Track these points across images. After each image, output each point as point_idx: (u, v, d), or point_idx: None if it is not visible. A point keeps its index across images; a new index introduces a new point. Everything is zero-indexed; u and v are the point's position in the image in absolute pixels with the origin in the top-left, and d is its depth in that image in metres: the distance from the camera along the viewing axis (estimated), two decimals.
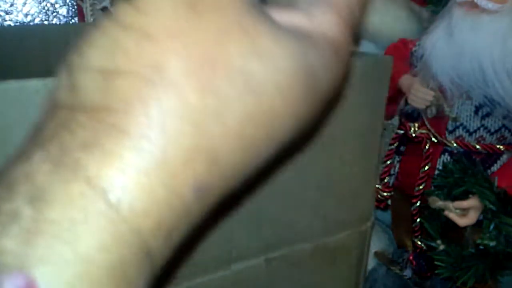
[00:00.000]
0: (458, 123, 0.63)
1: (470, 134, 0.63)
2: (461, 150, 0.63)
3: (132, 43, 0.15)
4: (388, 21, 0.75)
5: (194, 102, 0.15)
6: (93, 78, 0.15)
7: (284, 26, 0.17)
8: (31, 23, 0.82)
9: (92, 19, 0.87)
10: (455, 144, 0.63)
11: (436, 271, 0.62)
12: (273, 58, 0.16)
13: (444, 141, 0.63)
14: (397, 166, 0.69)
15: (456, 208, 0.61)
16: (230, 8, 0.16)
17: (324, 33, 0.18)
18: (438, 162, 0.65)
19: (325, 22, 0.18)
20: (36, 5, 0.82)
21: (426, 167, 0.63)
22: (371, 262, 0.70)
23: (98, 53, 0.15)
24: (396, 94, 0.66)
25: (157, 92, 0.14)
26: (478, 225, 0.60)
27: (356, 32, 0.20)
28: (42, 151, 0.14)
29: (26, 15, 0.82)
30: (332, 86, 0.18)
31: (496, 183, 0.60)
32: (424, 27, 0.69)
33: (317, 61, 0.17)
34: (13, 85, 0.28)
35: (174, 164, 0.14)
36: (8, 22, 0.80)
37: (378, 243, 0.74)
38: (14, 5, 0.80)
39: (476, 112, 0.62)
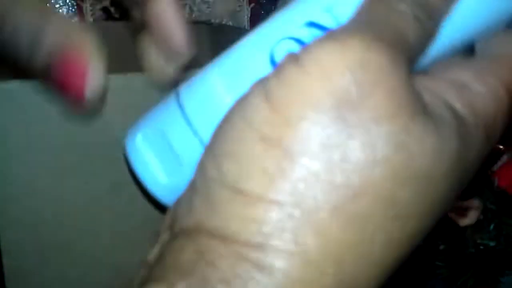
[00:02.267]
0: None
1: None
2: None
3: (272, 164, 0.13)
4: None
5: (337, 233, 0.13)
6: (230, 198, 0.14)
7: (436, 114, 0.15)
8: None
9: (92, 19, 0.87)
10: None
11: (436, 271, 0.62)
12: (426, 182, 0.14)
13: None
14: None
15: (456, 208, 0.60)
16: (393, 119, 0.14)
17: (478, 115, 0.16)
18: None
19: (484, 98, 0.16)
20: None
21: None
22: None
23: (235, 169, 0.14)
24: None
25: (297, 226, 0.13)
26: (478, 225, 0.60)
27: None
28: (184, 282, 0.14)
29: None
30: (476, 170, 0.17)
31: (496, 183, 0.60)
32: None
33: (468, 158, 0.15)
34: (13, 85, 0.28)
35: None
36: None
37: None
38: None
39: None
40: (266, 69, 0.17)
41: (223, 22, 0.94)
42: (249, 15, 1.00)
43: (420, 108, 0.14)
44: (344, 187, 0.13)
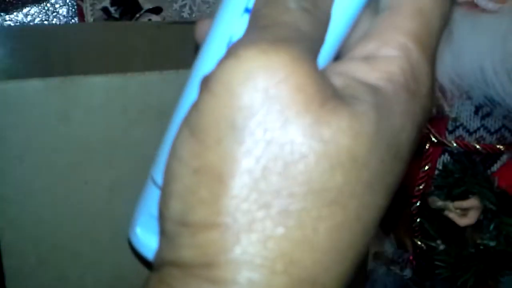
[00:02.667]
0: (458, 123, 0.63)
1: (470, 134, 0.63)
2: (461, 150, 0.63)
3: (206, 191, 0.14)
4: None
5: (279, 234, 0.14)
6: (180, 232, 0.15)
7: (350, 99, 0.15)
8: (31, 23, 0.82)
9: (92, 19, 0.87)
10: (455, 144, 0.63)
11: (436, 271, 0.62)
12: (352, 163, 0.14)
13: (444, 141, 0.63)
14: None
15: (456, 208, 0.60)
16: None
17: (393, 79, 0.15)
18: (438, 162, 0.64)
19: (395, 61, 0.16)
20: (36, 5, 0.82)
21: (426, 167, 0.63)
22: (371, 262, 0.70)
23: (179, 205, 0.15)
24: None
25: (238, 239, 0.14)
26: (478, 225, 0.60)
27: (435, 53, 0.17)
28: None
29: (26, 15, 0.82)
30: (416, 136, 0.16)
31: (496, 183, 0.60)
32: None
33: (394, 126, 0.15)
34: (13, 85, 0.28)
35: None
36: (8, 22, 0.80)
37: (378, 243, 0.74)
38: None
39: (476, 112, 0.62)
40: None
41: None
42: None
43: (329, 94, 0.14)
44: (274, 192, 0.14)
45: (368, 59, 0.16)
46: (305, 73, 0.14)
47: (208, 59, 0.19)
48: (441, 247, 0.62)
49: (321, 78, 0.15)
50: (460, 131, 0.63)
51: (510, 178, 0.61)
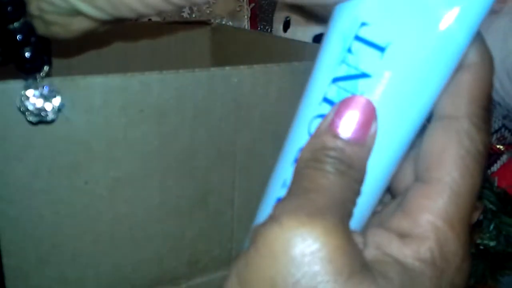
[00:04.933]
0: None
1: None
2: None
3: None
4: None
5: None
6: None
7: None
8: None
9: None
10: None
11: None
12: None
13: None
14: None
15: None
16: None
17: (421, 258, 0.17)
18: None
19: (425, 242, 0.17)
20: None
21: None
22: None
23: None
24: None
25: None
26: (478, 225, 0.60)
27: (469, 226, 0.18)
28: None
29: None
30: None
31: (496, 183, 0.60)
32: None
33: None
34: (13, 85, 0.28)
35: None
36: None
37: None
38: None
39: None
40: None
41: (223, 22, 0.94)
42: (249, 15, 1.00)
43: (357, 267, 0.16)
44: None
45: (402, 236, 0.18)
46: (336, 246, 0.16)
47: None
48: None
49: (351, 251, 0.16)
50: None
51: (510, 178, 0.61)
